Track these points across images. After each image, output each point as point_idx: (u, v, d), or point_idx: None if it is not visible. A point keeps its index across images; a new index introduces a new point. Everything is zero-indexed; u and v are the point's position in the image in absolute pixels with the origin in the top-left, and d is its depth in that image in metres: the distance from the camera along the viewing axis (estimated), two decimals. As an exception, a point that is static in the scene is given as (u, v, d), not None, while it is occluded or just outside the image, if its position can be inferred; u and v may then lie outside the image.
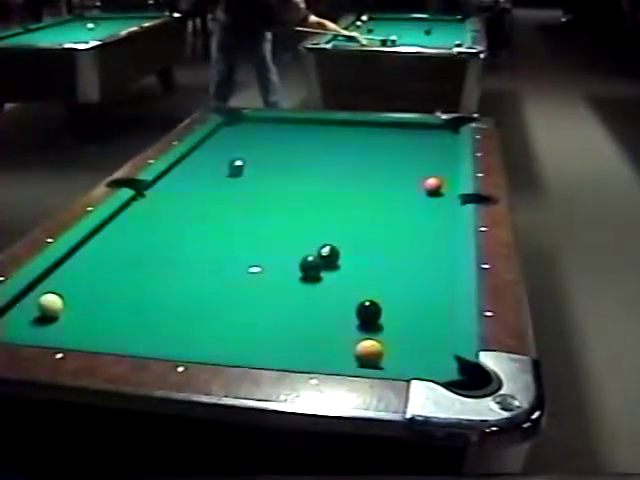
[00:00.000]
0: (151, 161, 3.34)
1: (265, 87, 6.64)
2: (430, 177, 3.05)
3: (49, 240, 2.49)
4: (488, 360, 1.76)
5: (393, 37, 6.15)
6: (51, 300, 2.07)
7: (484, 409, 1.59)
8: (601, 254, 4.79)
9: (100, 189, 3.01)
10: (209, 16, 9.75)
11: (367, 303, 2.03)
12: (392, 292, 2.19)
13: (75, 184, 3.82)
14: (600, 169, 6.41)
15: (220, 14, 6.54)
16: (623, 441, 3.13)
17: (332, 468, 1.65)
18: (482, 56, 5.74)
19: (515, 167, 3.89)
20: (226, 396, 1.64)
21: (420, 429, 1.56)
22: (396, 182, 3.22)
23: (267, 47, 6.64)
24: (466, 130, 3.80)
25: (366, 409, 1.60)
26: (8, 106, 7.43)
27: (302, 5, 6.41)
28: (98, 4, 11.38)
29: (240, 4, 6.32)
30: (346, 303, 2.07)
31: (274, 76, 6.65)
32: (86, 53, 6.42)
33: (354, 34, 6.56)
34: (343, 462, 1.65)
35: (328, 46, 6.07)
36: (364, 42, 6.29)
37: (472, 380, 1.70)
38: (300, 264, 2.31)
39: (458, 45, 5.92)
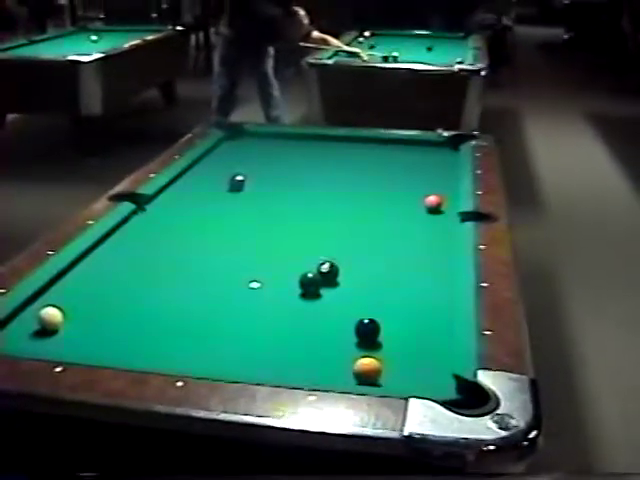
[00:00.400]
0: (152, 175, 3.35)
1: (267, 102, 6.66)
2: (430, 194, 3.06)
3: (50, 253, 2.49)
4: (486, 379, 1.77)
5: (395, 53, 6.18)
6: (51, 313, 2.08)
7: (482, 428, 1.59)
8: (600, 271, 4.80)
9: (101, 202, 3.01)
10: (212, 30, 9.78)
11: (366, 320, 2.03)
12: (391, 309, 2.20)
13: (76, 196, 3.83)
14: (600, 187, 6.43)
15: (223, 28, 6.57)
16: (622, 460, 3.13)
17: (329, 485, 1.66)
18: (483, 73, 5.75)
19: (515, 184, 3.91)
20: (224, 411, 1.65)
21: (417, 447, 1.56)
22: (396, 199, 3.23)
23: (269, 62, 6.67)
24: (466, 147, 3.81)
25: (364, 426, 1.61)
26: (10, 117, 7.45)
27: (305, 21, 6.44)
28: (102, 16, 11.44)
29: (244, 19, 6.34)
30: (345, 320, 2.07)
31: (276, 91, 6.68)
32: (89, 65, 6.44)
33: (356, 50, 6.58)
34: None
35: (330, 62, 6.09)
36: (366, 58, 6.31)
37: (470, 399, 1.71)
38: (300, 280, 2.32)
39: (459, 62, 5.94)
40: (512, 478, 1.67)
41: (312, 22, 6.54)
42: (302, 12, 6.41)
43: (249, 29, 6.33)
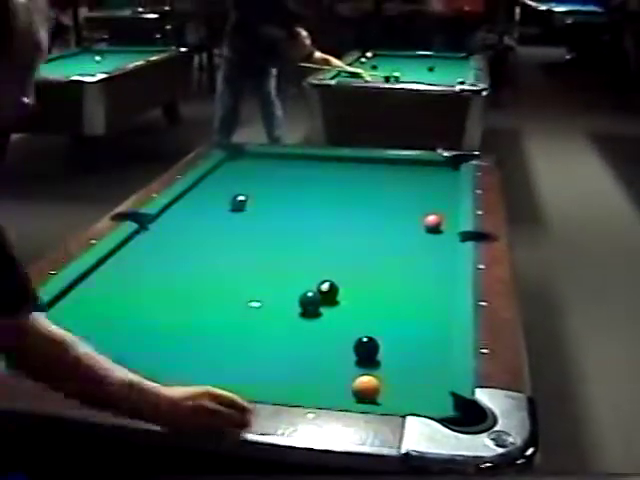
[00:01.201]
0: (155, 195, 3.38)
1: (269, 122, 6.69)
2: (430, 214, 3.08)
3: (52, 272, 2.51)
4: (484, 397, 1.78)
5: (396, 74, 6.21)
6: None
7: (479, 445, 1.61)
8: (601, 291, 4.80)
9: (104, 222, 3.04)
10: (216, 51, 9.84)
11: (365, 339, 2.05)
12: (390, 328, 2.22)
13: (79, 216, 3.85)
14: (601, 206, 6.44)
15: (226, 49, 6.61)
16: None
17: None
18: (485, 94, 5.79)
19: (517, 204, 3.93)
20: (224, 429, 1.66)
21: (415, 464, 1.57)
22: (396, 218, 3.25)
23: (272, 82, 6.71)
24: (467, 167, 3.84)
25: (362, 444, 1.62)
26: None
27: (307, 42, 6.47)
28: (106, 37, 11.50)
29: (246, 40, 6.38)
30: (344, 339, 2.09)
31: (278, 111, 6.71)
32: (92, 86, 6.49)
33: (358, 70, 6.63)
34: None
35: (332, 82, 6.13)
36: (368, 78, 6.35)
37: (467, 416, 1.72)
38: (299, 300, 2.33)
39: (461, 82, 5.97)
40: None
41: (314, 43, 6.58)
42: (304, 33, 6.45)
43: (251, 51, 6.36)
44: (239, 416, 1.64)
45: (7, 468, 1.71)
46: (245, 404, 1.66)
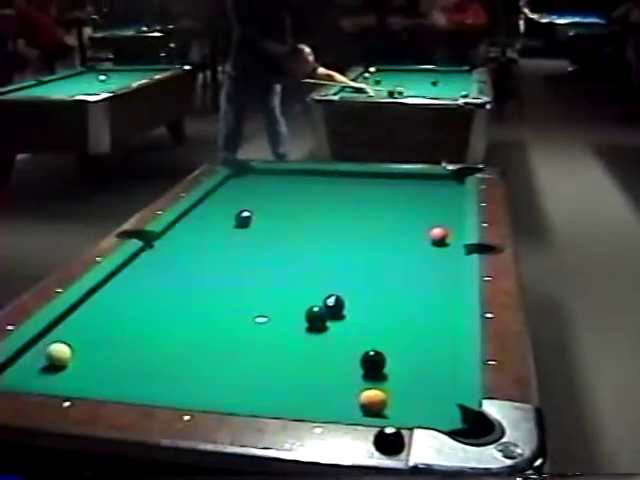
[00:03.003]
0: (160, 212, 3.38)
1: (274, 139, 6.71)
2: (435, 227, 3.08)
3: (58, 290, 2.52)
4: (491, 408, 1.78)
5: (400, 88, 6.22)
6: (59, 349, 2.10)
7: (487, 457, 1.60)
8: (607, 303, 4.79)
9: (109, 240, 3.04)
10: (219, 69, 9.87)
11: (372, 353, 2.05)
12: (396, 341, 2.22)
13: (84, 234, 3.88)
14: (607, 217, 6.43)
15: (229, 67, 6.64)
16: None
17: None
18: (488, 107, 5.80)
19: (522, 216, 3.93)
20: (232, 444, 1.66)
21: (423, 478, 1.57)
22: (402, 232, 3.25)
23: (276, 99, 6.73)
24: (471, 180, 3.84)
25: (370, 457, 1.62)
26: (19, 156, 7.51)
27: (311, 57, 6.49)
28: (110, 56, 11.56)
29: (250, 57, 6.40)
30: (351, 353, 2.09)
31: (283, 127, 6.73)
32: (97, 105, 6.52)
33: (362, 85, 6.64)
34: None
35: (336, 98, 6.14)
36: (372, 93, 6.37)
37: (475, 428, 1.72)
38: (306, 314, 2.33)
39: (464, 96, 5.99)
40: None
41: (317, 59, 6.60)
42: (307, 49, 6.47)
43: (255, 67, 6.39)
44: None
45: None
46: None
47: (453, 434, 1.67)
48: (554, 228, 6.11)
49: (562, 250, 5.68)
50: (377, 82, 6.99)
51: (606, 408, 3.66)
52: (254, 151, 6.81)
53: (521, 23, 14.35)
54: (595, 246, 5.76)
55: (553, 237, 5.93)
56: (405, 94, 6.17)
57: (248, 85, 6.50)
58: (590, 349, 4.21)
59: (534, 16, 15.84)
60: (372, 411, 1.82)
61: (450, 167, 4.10)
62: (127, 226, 3.20)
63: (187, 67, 8.95)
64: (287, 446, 1.66)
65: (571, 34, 14.06)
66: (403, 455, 1.60)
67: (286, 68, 6.46)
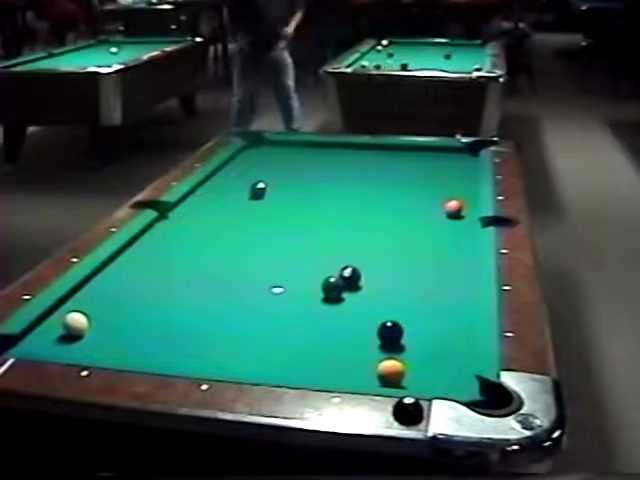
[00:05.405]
0: (174, 183, 3.38)
1: (288, 115, 6.72)
2: (451, 200, 3.07)
3: (74, 260, 2.52)
4: (509, 380, 1.77)
5: (404, 62, 6.21)
6: (76, 318, 2.10)
7: (505, 428, 1.60)
8: (621, 277, 4.78)
9: (124, 210, 3.04)
10: (230, 41, 9.85)
11: (389, 323, 2.05)
12: (414, 313, 2.21)
13: (98, 206, 3.86)
14: (621, 192, 6.39)
15: (239, 40, 6.66)
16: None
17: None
18: (501, 80, 5.77)
19: (536, 190, 3.90)
20: (250, 414, 1.67)
21: (442, 447, 1.57)
22: (417, 204, 3.24)
23: (291, 74, 6.72)
24: (486, 153, 3.82)
25: (388, 427, 1.61)
26: (31, 128, 7.50)
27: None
28: (122, 29, 11.50)
29: (252, 25, 6.45)
30: (368, 323, 2.09)
31: (296, 103, 6.73)
32: (109, 77, 6.49)
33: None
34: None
35: (348, 70, 6.12)
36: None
37: (493, 399, 1.71)
38: (322, 285, 2.33)
39: (478, 69, 5.96)
40: (533, 478, 1.67)
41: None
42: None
43: (258, 35, 6.43)
44: None
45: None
46: None
47: (472, 405, 1.67)
48: (568, 203, 6.07)
49: (576, 225, 5.66)
50: (390, 55, 6.96)
51: (619, 379, 3.66)
52: (268, 125, 6.77)
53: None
54: (609, 221, 5.73)
55: (567, 212, 5.90)
56: (418, 67, 6.12)
57: (257, 58, 6.50)
58: (604, 323, 4.20)
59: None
60: (390, 382, 1.82)
61: (464, 140, 4.08)
62: (141, 197, 3.20)
63: (198, 39, 8.90)
64: (305, 415, 1.66)
65: (584, 8, 13.93)
66: (422, 425, 1.60)
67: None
